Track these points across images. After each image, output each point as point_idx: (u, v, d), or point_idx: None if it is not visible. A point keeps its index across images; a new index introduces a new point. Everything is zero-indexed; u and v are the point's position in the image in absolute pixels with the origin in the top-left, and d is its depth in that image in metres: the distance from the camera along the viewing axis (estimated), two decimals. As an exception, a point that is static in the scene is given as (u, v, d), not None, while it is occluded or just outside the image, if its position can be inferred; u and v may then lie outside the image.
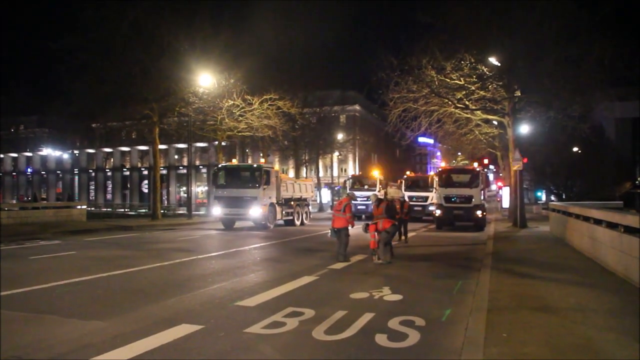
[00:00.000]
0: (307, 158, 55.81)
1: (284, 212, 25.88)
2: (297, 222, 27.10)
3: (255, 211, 23.31)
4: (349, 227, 12.58)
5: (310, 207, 30.76)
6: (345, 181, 39.08)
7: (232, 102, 31.91)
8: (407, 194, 31.99)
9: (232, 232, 23.00)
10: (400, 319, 6.75)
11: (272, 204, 24.46)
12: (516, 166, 23.59)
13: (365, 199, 31.22)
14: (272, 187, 24.55)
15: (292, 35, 43.51)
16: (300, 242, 18.51)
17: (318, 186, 50.23)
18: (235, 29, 32.59)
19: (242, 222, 25.22)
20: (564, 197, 52.32)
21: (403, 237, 17.66)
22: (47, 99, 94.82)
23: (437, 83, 25.07)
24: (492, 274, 10.13)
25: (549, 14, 21.31)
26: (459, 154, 52.76)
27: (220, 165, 27.19)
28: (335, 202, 13.34)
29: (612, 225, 10.30)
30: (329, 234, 12.99)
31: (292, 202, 27.03)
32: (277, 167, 30.24)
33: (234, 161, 34.71)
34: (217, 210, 24.33)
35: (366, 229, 12.62)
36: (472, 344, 5.53)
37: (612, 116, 52.79)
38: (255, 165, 25.39)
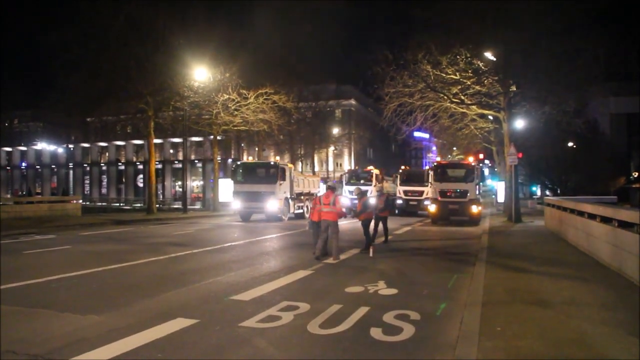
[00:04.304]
0: (302, 152, 55.78)
1: (295, 206, 27.43)
2: (307, 215, 27.51)
3: (273, 205, 24.83)
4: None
5: None
6: (341, 175, 39.06)
7: (227, 96, 31.83)
8: (402, 188, 32.00)
9: (250, 223, 24.23)
10: (395, 313, 6.77)
11: (286, 199, 26.06)
12: (511, 161, 23.63)
13: None
14: (287, 183, 26.17)
15: (287, 29, 43.46)
16: (302, 235, 18.08)
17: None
18: (230, 23, 32.53)
19: (256, 214, 26.58)
20: (558, 191, 52.50)
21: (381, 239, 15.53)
22: (41, 93, 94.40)
23: (432, 78, 25.08)
24: (487, 268, 10.17)
25: (544, 9, 21.30)
26: (455, 148, 52.81)
27: (239, 162, 28.86)
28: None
29: (606, 220, 10.35)
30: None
31: (303, 197, 28.45)
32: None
33: (250, 158, 35.30)
34: (237, 204, 25.73)
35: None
36: (467, 338, 5.56)
37: (607, 111, 53.00)
38: (272, 163, 26.75)
